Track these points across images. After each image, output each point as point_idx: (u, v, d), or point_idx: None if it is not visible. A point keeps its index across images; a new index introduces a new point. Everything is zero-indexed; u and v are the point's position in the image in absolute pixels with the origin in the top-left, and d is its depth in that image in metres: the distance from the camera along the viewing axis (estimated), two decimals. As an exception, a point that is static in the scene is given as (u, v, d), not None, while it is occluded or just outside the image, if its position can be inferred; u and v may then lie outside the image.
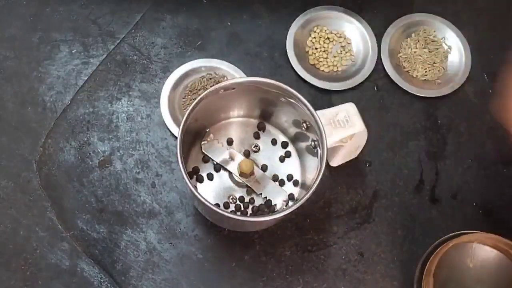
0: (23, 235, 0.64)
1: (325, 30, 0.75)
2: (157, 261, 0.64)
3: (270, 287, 0.64)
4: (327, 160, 0.60)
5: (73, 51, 0.72)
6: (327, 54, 0.74)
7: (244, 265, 0.64)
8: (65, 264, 0.64)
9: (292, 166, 0.66)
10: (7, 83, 0.70)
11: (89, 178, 0.67)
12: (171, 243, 0.65)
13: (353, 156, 0.67)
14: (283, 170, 0.66)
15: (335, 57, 0.74)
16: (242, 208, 0.64)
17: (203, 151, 0.65)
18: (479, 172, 0.70)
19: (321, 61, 0.73)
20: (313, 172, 0.61)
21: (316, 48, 0.74)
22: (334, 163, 0.67)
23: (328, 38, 0.74)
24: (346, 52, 0.74)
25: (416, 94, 0.72)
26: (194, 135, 0.65)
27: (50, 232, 0.65)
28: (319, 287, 0.64)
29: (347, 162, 0.68)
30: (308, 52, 0.74)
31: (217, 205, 0.63)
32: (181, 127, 0.57)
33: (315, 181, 0.56)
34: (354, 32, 0.75)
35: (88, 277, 0.63)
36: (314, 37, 0.74)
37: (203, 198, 0.55)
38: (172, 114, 0.69)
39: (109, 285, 0.63)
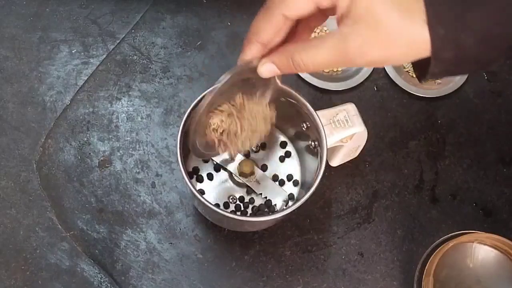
0: (23, 235, 0.64)
1: (325, 30, 0.75)
2: (157, 261, 0.64)
3: (270, 287, 0.64)
4: (327, 160, 0.60)
5: (73, 51, 0.72)
6: (327, 54, 0.74)
7: (244, 265, 0.64)
8: (65, 264, 0.64)
9: (292, 166, 0.66)
10: (7, 83, 0.70)
11: (89, 178, 0.67)
12: (171, 243, 0.65)
13: (353, 156, 0.67)
14: (283, 170, 0.66)
15: (335, 57, 0.74)
16: (242, 208, 0.64)
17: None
18: (479, 172, 0.69)
19: (321, 61, 0.73)
20: (313, 172, 0.61)
21: (316, 48, 0.74)
22: (334, 163, 0.67)
23: (328, 38, 0.74)
24: (346, 52, 0.74)
25: (416, 94, 0.72)
26: (194, 135, 0.65)
27: (50, 232, 0.65)
28: (319, 287, 0.64)
29: (347, 162, 0.68)
30: (308, 52, 0.74)
31: (217, 205, 0.63)
32: (181, 127, 0.57)
33: (315, 181, 0.56)
34: (354, 32, 0.75)
35: (88, 277, 0.63)
36: (315, 37, 0.74)
37: (203, 198, 0.55)
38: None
39: (109, 285, 0.63)
